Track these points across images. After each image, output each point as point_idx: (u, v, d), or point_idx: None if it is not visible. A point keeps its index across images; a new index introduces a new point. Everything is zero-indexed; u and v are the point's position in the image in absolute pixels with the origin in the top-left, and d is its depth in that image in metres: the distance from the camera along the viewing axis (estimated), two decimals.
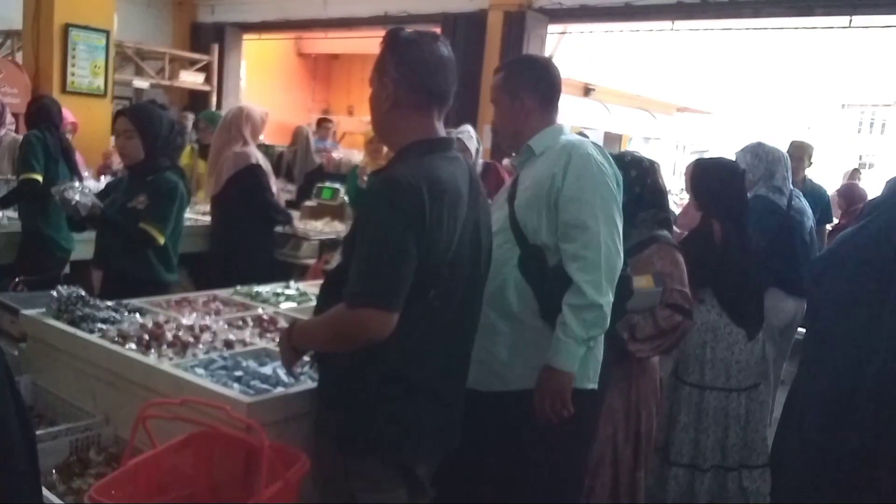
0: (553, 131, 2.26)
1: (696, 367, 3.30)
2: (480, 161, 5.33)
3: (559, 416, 2.08)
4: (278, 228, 4.72)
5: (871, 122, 36.23)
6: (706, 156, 5.27)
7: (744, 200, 3.40)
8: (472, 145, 5.23)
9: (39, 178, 4.06)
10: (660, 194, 2.86)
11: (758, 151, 3.99)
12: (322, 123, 9.23)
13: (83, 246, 4.15)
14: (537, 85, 2.26)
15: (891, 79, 29.06)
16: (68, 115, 5.18)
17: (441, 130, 1.90)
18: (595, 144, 2.20)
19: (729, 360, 3.28)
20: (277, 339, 2.34)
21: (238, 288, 3.05)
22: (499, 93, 2.30)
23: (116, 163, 5.50)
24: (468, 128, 5.37)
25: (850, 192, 6.40)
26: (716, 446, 3.30)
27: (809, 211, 4.19)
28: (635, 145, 17.82)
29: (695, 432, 3.30)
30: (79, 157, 5.32)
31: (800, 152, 5.02)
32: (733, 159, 3.63)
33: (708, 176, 3.41)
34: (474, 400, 2.08)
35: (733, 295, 3.29)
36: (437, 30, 7.83)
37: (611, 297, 2.08)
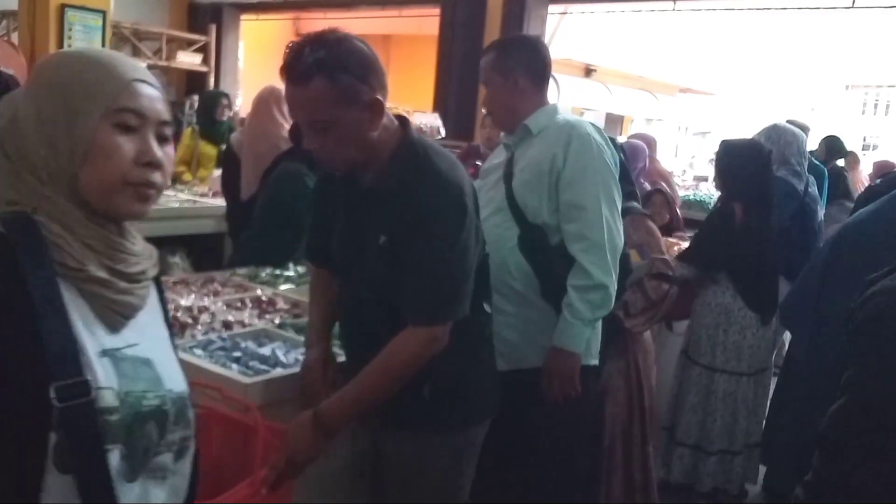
0: (549, 110, 2.25)
1: (707, 349, 3.29)
2: (502, 137, 5.39)
3: (566, 397, 2.12)
4: None
5: (875, 102, 36.14)
6: (708, 136, 5.23)
7: (768, 183, 3.34)
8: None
9: None
10: (624, 169, 2.89)
11: (770, 134, 3.90)
12: None
13: None
14: (529, 64, 2.25)
15: (895, 60, 28.91)
16: None
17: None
18: (592, 124, 2.21)
19: (741, 343, 3.26)
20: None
21: (237, 269, 3.04)
22: (491, 73, 2.27)
23: None
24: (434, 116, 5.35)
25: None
26: (723, 431, 3.28)
27: (820, 200, 4.16)
28: (637, 126, 17.73)
29: (703, 414, 3.31)
30: None
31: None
32: (759, 141, 3.58)
33: (732, 157, 3.37)
34: None
35: (750, 279, 3.26)
36: (437, 11, 7.80)
37: (615, 278, 2.11)
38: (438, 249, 1.61)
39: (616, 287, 2.14)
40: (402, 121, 1.74)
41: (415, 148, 1.69)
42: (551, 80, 2.32)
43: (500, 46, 2.34)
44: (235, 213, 4.04)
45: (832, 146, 6.44)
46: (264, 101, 4.15)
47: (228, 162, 4.17)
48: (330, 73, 1.52)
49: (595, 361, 2.26)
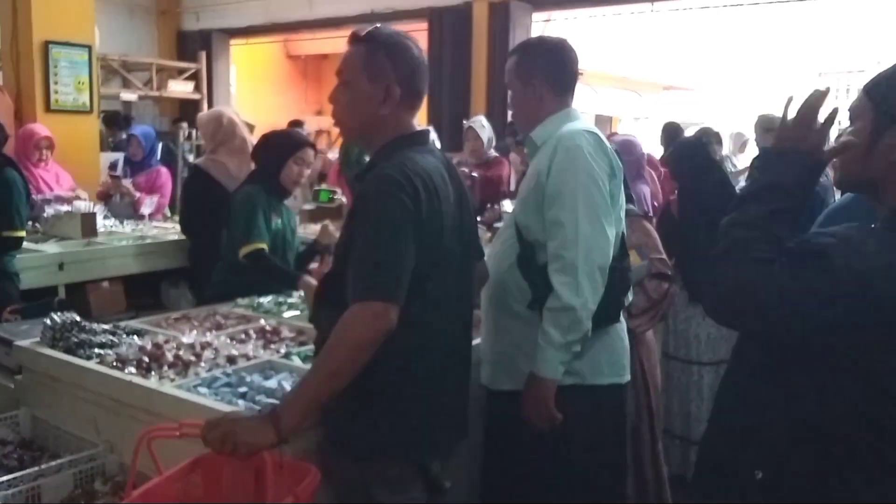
0: (557, 119, 2.17)
1: (665, 338, 3.47)
2: (492, 153, 5.32)
3: (547, 423, 2.02)
4: None
5: (847, 88, 36.60)
6: (688, 132, 5.36)
7: (701, 177, 3.42)
8: (485, 134, 5.22)
9: (24, 234, 3.74)
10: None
11: None
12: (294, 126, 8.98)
13: (38, 273, 3.98)
14: (549, 69, 2.18)
15: (864, 46, 29.29)
16: (41, 129, 5.07)
17: (416, 125, 1.88)
18: (590, 132, 2.11)
19: (687, 332, 3.41)
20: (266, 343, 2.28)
21: (238, 300, 2.99)
22: (511, 77, 2.23)
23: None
24: (480, 117, 5.37)
25: None
26: (680, 417, 3.44)
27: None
28: (625, 126, 17.81)
29: (666, 399, 3.43)
30: (67, 177, 5.22)
31: (770, 125, 5.07)
32: (697, 137, 3.81)
33: (671, 158, 3.60)
34: (493, 399, 2.03)
35: (692, 271, 3.34)
36: (424, 25, 7.80)
37: (589, 298, 1.98)
38: (366, 232, 1.68)
39: (591, 308, 1.99)
40: (419, 133, 1.88)
41: (387, 148, 1.80)
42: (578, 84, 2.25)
43: (523, 50, 2.27)
44: (204, 243, 3.92)
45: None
46: (230, 122, 4.10)
47: (201, 188, 4.00)
48: (372, 47, 1.80)
49: (610, 380, 2.15)
